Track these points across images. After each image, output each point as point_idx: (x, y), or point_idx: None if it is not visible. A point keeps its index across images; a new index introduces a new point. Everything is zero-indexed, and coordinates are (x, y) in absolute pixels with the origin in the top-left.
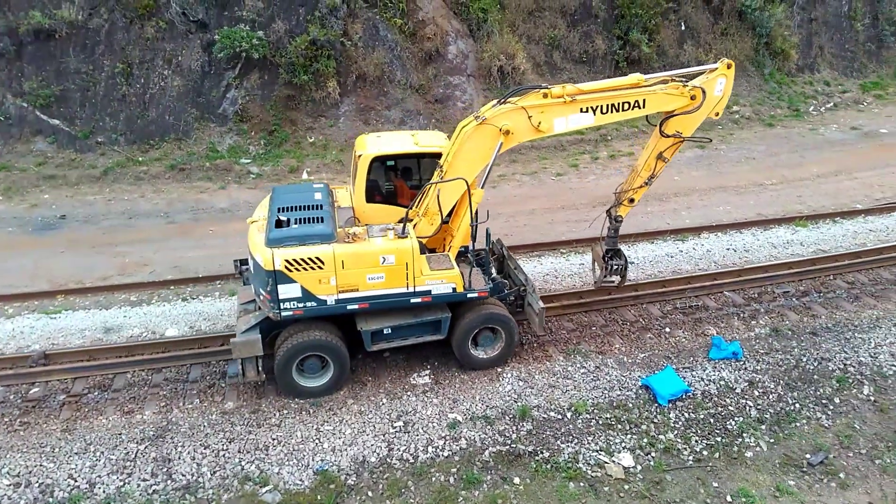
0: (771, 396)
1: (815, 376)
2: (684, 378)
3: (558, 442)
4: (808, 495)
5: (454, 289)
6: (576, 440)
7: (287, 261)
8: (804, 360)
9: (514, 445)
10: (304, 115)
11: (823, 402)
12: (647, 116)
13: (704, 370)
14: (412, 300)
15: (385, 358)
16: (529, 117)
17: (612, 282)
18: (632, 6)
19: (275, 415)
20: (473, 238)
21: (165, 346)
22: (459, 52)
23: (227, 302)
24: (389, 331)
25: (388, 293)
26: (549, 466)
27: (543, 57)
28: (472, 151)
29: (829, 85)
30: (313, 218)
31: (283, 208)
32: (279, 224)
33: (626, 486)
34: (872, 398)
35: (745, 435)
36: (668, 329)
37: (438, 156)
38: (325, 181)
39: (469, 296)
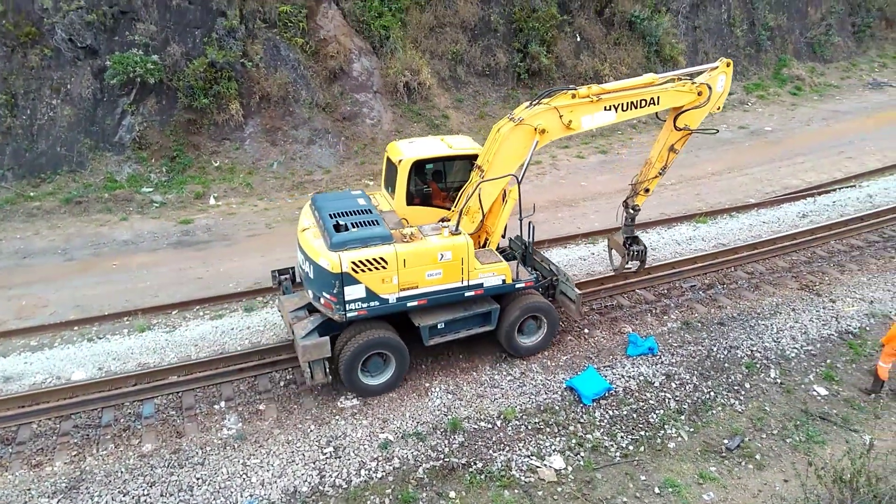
0: (687, 387)
1: (726, 364)
2: (606, 377)
3: (490, 451)
4: (728, 479)
5: (504, 280)
6: (507, 448)
7: (353, 262)
8: (715, 349)
9: (447, 459)
10: (207, 139)
11: (735, 388)
12: (656, 113)
13: (624, 367)
14: (466, 294)
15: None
16: (560, 116)
17: (631, 268)
18: (529, 20)
19: (197, 453)
20: (522, 231)
21: (73, 391)
22: (364, 70)
23: (137, 339)
24: (443, 325)
25: (445, 288)
26: (483, 477)
27: (448, 71)
28: (510, 150)
29: None
30: (369, 221)
31: (334, 214)
32: (338, 229)
33: (559, 489)
34: (779, 380)
35: (666, 427)
36: (587, 330)
37: (474, 157)
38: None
39: (517, 286)
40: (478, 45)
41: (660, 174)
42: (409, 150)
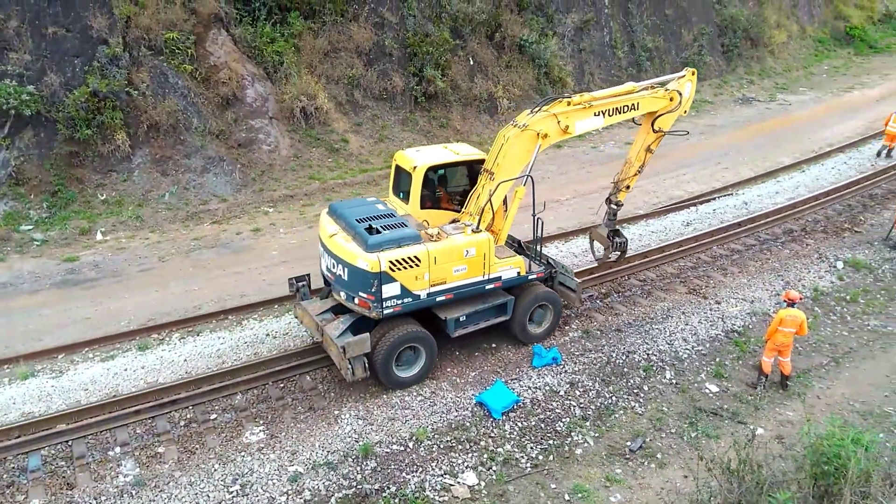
0: (591, 394)
1: (625, 369)
2: (514, 389)
3: (403, 474)
4: (633, 480)
5: (518, 273)
6: (420, 469)
7: (391, 262)
8: (614, 355)
9: (360, 486)
10: (91, 172)
11: (635, 391)
12: (633, 118)
13: (530, 379)
14: (486, 287)
15: (212, 420)
16: (558, 122)
17: (611, 258)
18: (423, 45)
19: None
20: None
21: None
22: (258, 96)
23: (19, 388)
24: (465, 317)
25: (469, 282)
26: (397, 501)
27: (345, 96)
28: (516, 154)
29: None
30: (397, 224)
31: (362, 219)
32: (370, 231)
33: None
34: (674, 381)
35: (573, 434)
36: (493, 345)
37: (480, 162)
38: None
39: (530, 277)
40: (374, 69)
41: (638, 172)
42: (420, 157)
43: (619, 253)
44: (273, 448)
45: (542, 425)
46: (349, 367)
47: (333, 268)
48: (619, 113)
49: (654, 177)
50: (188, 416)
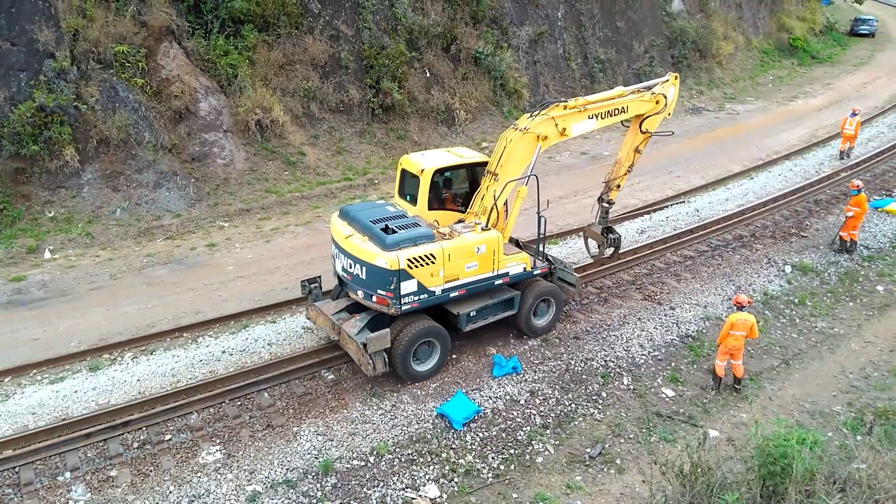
0: (550, 402)
1: (584, 376)
2: (474, 399)
3: (365, 489)
4: (593, 486)
5: (524, 268)
6: (382, 483)
7: (409, 259)
8: (572, 363)
9: None
10: (38, 189)
11: (594, 398)
12: (622, 121)
13: (491, 388)
14: (496, 282)
15: (167, 440)
16: (556, 125)
17: (606, 254)
18: (379, 57)
19: None
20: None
21: None
22: (212, 109)
23: None
24: (475, 313)
25: (480, 278)
26: None
27: (301, 108)
28: (519, 155)
29: None
30: (411, 224)
31: (376, 220)
32: (387, 231)
33: None
34: (631, 387)
35: (534, 442)
36: (453, 356)
37: (483, 165)
38: None
39: (535, 273)
40: (330, 81)
41: (628, 171)
42: (427, 160)
43: (613, 249)
44: (230, 468)
45: (503, 435)
46: (370, 362)
47: (350, 268)
48: (611, 116)
49: None
50: (142, 438)
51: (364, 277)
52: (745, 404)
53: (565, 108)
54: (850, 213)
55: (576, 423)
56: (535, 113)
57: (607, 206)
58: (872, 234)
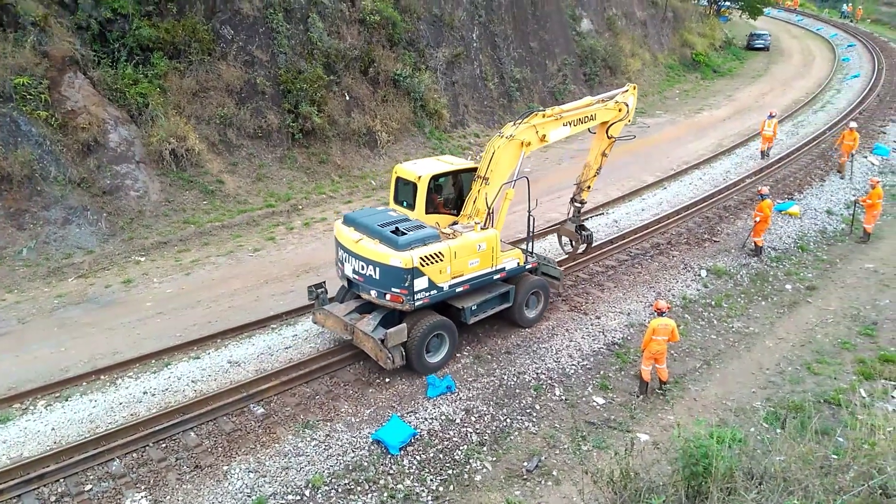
0: (486, 418)
1: (517, 390)
2: (410, 422)
3: None
4: (532, 500)
5: (518, 263)
6: None
7: (422, 258)
8: (505, 378)
9: None
10: None
11: (528, 411)
12: (589, 128)
13: (426, 410)
14: (494, 277)
15: (87, 491)
16: (537, 131)
17: (581, 250)
18: (296, 81)
19: None
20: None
21: None
22: (123, 140)
23: None
24: (476, 306)
25: (482, 273)
26: None
27: (217, 136)
28: (506, 160)
29: (479, 136)
30: (416, 226)
31: (384, 224)
32: (397, 233)
33: None
34: (563, 397)
35: (471, 461)
36: (387, 380)
37: (473, 170)
38: None
39: (527, 267)
40: (246, 107)
41: (597, 173)
42: (422, 168)
43: (586, 245)
44: None
45: (441, 455)
46: (389, 355)
47: (363, 270)
48: (582, 122)
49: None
50: (59, 490)
51: (378, 277)
52: (673, 406)
53: (544, 116)
54: (757, 218)
55: (512, 437)
56: (518, 122)
57: (579, 205)
58: (778, 235)
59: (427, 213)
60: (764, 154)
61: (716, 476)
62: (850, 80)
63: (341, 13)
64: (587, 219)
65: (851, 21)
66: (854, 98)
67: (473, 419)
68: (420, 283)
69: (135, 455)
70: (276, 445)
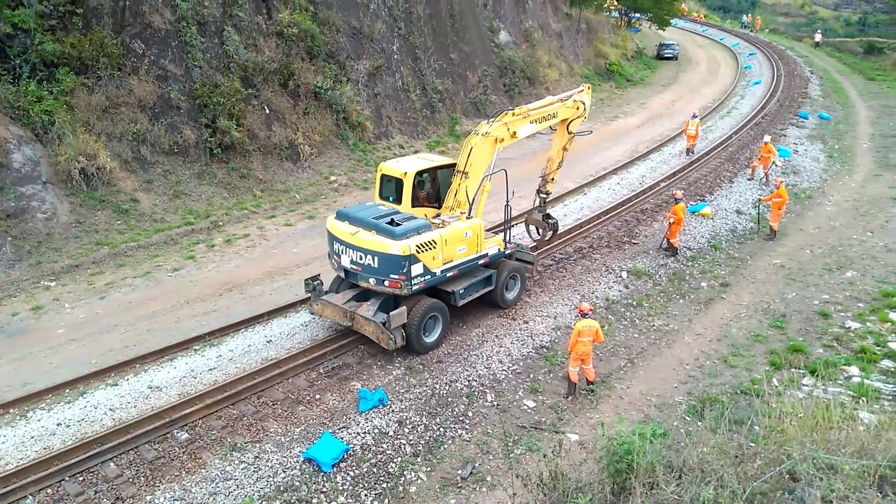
0: (419, 429)
1: (449, 398)
2: (343, 438)
3: None
4: None
5: (499, 249)
6: None
7: (418, 245)
8: (437, 387)
9: None
10: None
11: (461, 418)
12: (551, 126)
13: (359, 424)
14: (479, 262)
15: None
16: (508, 128)
17: (547, 237)
18: (213, 95)
19: None
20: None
21: None
22: (28, 160)
23: None
24: (463, 290)
25: (468, 259)
26: None
27: (130, 153)
28: (482, 155)
29: (403, 147)
30: (408, 217)
31: (379, 217)
32: (392, 224)
33: None
34: (495, 402)
35: (406, 472)
36: (317, 396)
37: (452, 166)
38: None
39: (507, 252)
40: (161, 123)
41: (559, 166)
42: (406, 165)
43: (552, 232)
44: None
45: (375, 469)
46: (391, 337)
47: (361, 259)
48: (546, 120)
49: None
50: None
51: (376, 266)
52: (601, 405)
53: (514, 115)
54: (671, 220)
55: (445, 446)
56: (492, 120)
57: (545, 196)
58: (692, 235)
59: (413, 206)
60: (689, 151)
61: (638, 471)
62: (752, 86)
63: (258, 26)
64: (515, 224)
65: (752, 31)
66: (757, 103)
67: (407, 430)
68: (416, 269)
69: (49, 491)
70: (203, 471)
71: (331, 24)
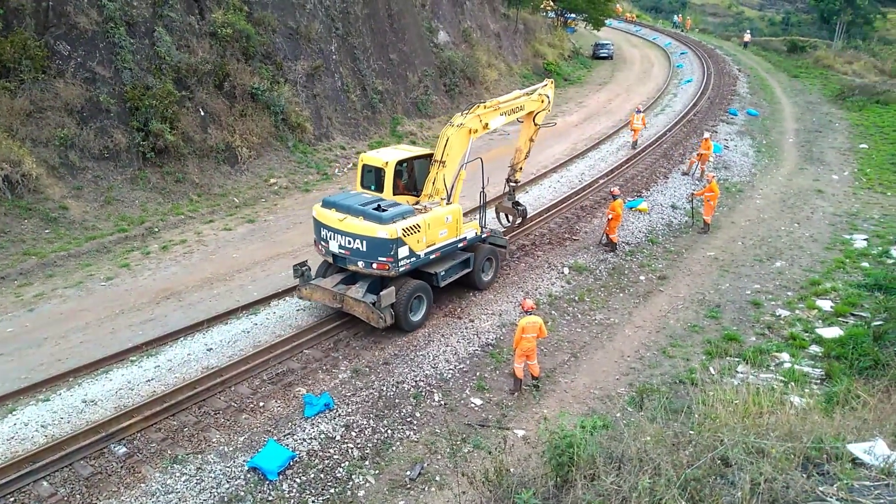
0: (367, 432)
1: (397, 400)
2: (288, 445)
3: None
4: None
5: (476, 233)
6: None
7: (404, 229)
8: (385, 389)
9: None
10: None
11: (408, 420)
12: (518, 118)
13: (304, 430)
14: (459, 245)
15: None
16: (480, 120)
17: (517, 223)
18: (144, 98)
19: None
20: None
21: None
22: None
23: None
24: (444, 272)
25: (448, 242)
26: None
27: (58, 159)
28: (458, 146)
29: (345, 148)
30: (392, 204)
31: (365, 203)
32: (379, 210)
33: None
34: (443, 402)
35: (354, 477)
36: (261, 403)
37: (429, 156)
38: None
39: (483, 236)
40: (90, 127)
41: (526, 156)
42: (387, 155)
43: (521, 218)
44: None
45: (322, 475)
46: (381, 316)
47: (349, 244)
48: (514, 112)
49: None
50: None
51: (364, 249)
52: (546, 400)
53: (485, 107)
54: (610, 216)
55: (393, 448)
56: (465, 112)
57: (514, 184)
58: (630, 231)
59: (394, 194)
60: (634, 144)
61: (579, 463)
62: (684, 84)
63: (190, 26)
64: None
65: (682, 31)
66: (689, 101)
67: (354, 434)
68: (403, 252)
69: None
70: (142, 485)
71: (266, 24)
